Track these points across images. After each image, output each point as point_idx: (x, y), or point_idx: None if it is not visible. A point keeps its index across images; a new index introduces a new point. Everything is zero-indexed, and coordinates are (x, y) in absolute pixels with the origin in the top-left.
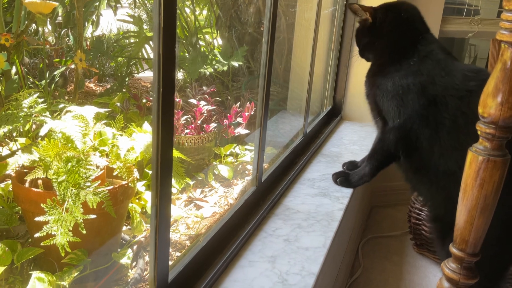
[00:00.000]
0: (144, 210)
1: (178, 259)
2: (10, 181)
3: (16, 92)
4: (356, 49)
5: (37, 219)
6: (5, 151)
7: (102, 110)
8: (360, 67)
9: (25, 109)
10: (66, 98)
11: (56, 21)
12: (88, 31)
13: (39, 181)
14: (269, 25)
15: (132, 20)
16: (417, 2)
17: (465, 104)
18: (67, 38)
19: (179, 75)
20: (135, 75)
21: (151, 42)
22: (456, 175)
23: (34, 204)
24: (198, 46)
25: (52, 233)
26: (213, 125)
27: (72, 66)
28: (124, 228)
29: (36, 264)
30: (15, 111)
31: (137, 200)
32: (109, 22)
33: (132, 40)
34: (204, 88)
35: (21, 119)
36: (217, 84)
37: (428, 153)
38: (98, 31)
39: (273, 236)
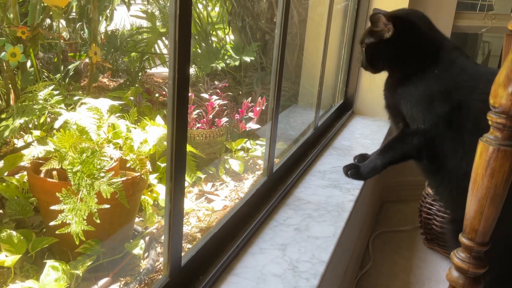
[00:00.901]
0: (156, 202)
1: (191, 247)
2: (25, 173)
3: (31, 85)
4: None
5: (52, 207)
6: (20, 143)
7: (116, 103)
8: None
9: (40, 101)
10: (80, 92)
11: (70, 17)
12: (102, 26)
13: (54, 172)
14: (281, 17)
15: (145, 16)
16: None
17: (487, 106)
18: (82, 32)
19: (191, 70)
20: (148, 70)
21: (164, 38)
22: None
23: (49, 194)
24: (210, 41)
25: (67, 221)
26: (224, 119)
27: (87, 60)
28: (137, 219)
29: (50, 253)
30: (30, 103)
31: (149, 193)
32: (123, 18)
33: (145, 36)
34: (216, 83)
35: (36, 111)
36: (229, 79)
37: (450, 155)
38: (112, 27)
39: (283, 225)
